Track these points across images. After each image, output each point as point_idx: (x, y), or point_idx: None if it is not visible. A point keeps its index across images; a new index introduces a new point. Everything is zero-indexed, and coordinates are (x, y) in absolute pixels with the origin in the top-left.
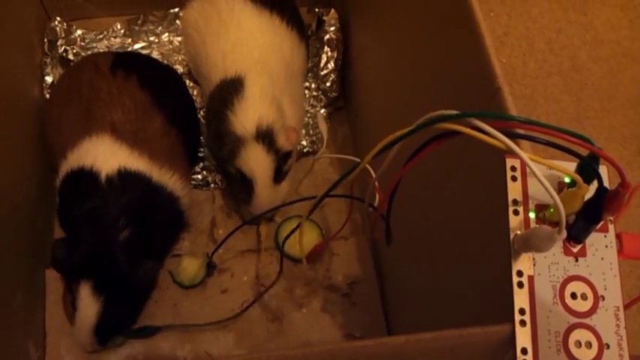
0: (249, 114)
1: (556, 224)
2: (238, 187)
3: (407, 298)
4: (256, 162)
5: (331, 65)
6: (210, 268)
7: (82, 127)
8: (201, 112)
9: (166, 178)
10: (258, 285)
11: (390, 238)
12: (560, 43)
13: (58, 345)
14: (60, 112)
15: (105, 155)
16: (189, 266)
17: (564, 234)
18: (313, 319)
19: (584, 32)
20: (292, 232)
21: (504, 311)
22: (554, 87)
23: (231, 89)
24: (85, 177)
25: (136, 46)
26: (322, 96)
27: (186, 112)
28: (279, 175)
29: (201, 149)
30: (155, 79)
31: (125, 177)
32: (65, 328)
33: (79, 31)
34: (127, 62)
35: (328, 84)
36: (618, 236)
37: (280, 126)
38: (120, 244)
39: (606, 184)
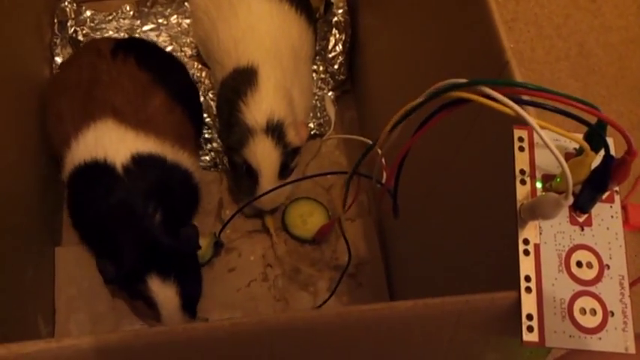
0: (262, 106)
1: (562, 193)
2: (243, 179)
3: (413, 279)
4: (263, 155)
5: (339, 48)
6: (218, 247)
7: (84, 111)
8: (210, 94)
9: (179, 155)
10: (265, 265)
11: (397, 210)
12: (568, 29)
13: (67, 321)
14: (60, 99)
15: (113, 143)
16: None
17: (571, 200)
18: (319, 299)
19: (592, 18)
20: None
21: (511, 282)
22: (562, 72)
23: (244, 79)
24: (100, 170)
25: (145, 28)
26: (330, 79)
27: (187, 92)
28: (285, 171)
29: (210, 130)
30: (155, 60)
31: (141, 162)
32: (74, 304)
33: (89, 12)
34: (127, 45)
35: (336, 67)
36: (624, 207)
37: (291, 121)
38: (157, 229)
39: (613, 152)
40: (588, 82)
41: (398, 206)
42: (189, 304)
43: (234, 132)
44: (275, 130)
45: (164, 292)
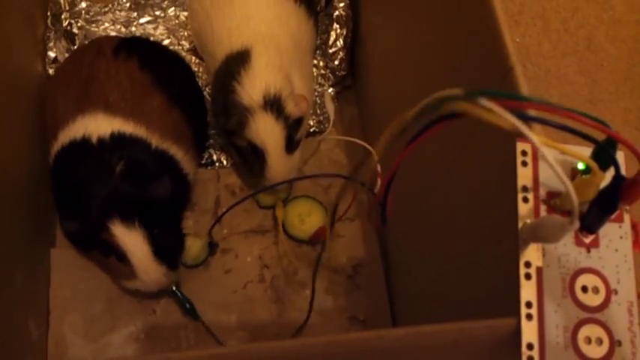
0: (256, 83)
1: (568, 213)
2: (251, 161)
3: (412, 283)
4: (266, 131)
5: (340, 43)
6: (213, 247)
7: (77, 106)
8: (207, 90)
9: (167, 145)
10: (262, 266)
11: (385, 219)
12: (576, 23)
13: (61, 323)
14: (58, 94)
15: (97, 124)
16: (193, 246)
17: (577, 224)
18: (316, 301)
19: (601, 12)
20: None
21: (511, 303)
22: (569, 68)
23: (237, 61)
24: (77, 147)
25: (142, 21)
26: (330, 74)
27: (190, 96)
28: (290, 145)
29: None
30: (158, 62)
31: (119, 139)
32: (69, 306)
33: (84, 4)
34: (132, 45)
35: (337, 62)
36: (634, 227)
37: (289, 93)
38: (121, 177)
39: (623, 171)
40: (596, 79)
41: (386, 216)
42: (165, 254)
43: (232, 114)
44: (274, 104)
45: (130, 237)
